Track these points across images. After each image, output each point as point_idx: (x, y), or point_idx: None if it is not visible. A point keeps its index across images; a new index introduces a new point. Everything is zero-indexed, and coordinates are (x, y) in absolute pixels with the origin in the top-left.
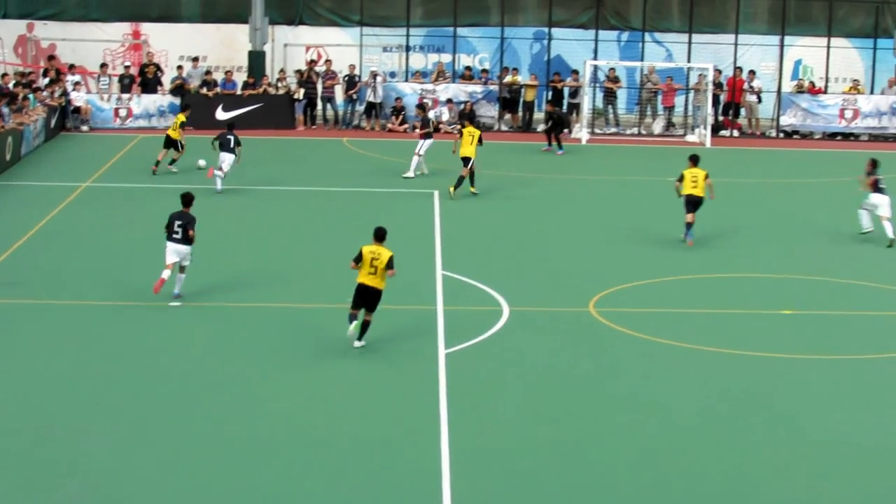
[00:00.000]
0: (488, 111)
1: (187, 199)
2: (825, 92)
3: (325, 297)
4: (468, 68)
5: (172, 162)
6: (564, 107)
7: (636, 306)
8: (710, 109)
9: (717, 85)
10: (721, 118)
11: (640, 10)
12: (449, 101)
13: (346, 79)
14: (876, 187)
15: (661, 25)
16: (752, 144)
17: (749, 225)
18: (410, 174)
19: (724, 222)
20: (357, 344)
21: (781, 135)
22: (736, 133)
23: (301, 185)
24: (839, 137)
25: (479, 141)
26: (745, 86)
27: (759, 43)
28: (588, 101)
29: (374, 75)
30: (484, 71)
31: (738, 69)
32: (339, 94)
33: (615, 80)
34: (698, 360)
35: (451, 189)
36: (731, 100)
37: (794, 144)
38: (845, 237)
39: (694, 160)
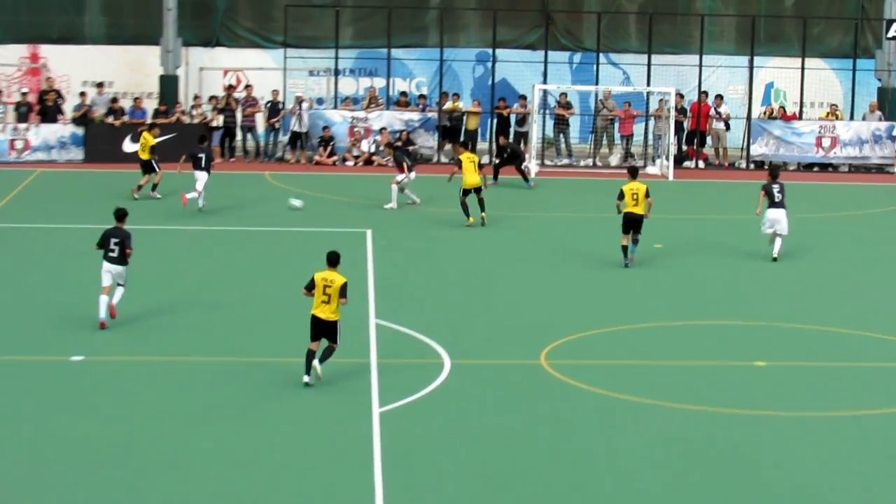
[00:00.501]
0: (426, 141)
1: (120, 214)
2: (800, 118)
3: (245, 350)
4: (404, 94)
5: (154, 188)
6: (511, 135)
7: (592, 357)
8: (672, 138)
9: (681, 111)
10: (685, 148)
11: (593, 28)
12: (382, 129)
13: (269, 106)
14: (772, 201)
15: (618, 46)
16: (720, 176)
17: (715, 266)
18: (393, 204)
19: (687, 263)
20: (318, 366)
21: (752, 166)
22: (701, 164)
23: (219, 225)
24: (816, 168)
25: (480, 166)
26: (712, 112)
27: (726, 65)
28: (537, 129)
29: (299, 102)
30: (421, 97)
31: (703, 93)
32: (260, 122)
33: (567, 105)
34: (660, 416)
35: (470, 219)
36: (696, 127)
37: (766, 176)
38: (826, 280)
39: (632, 172)
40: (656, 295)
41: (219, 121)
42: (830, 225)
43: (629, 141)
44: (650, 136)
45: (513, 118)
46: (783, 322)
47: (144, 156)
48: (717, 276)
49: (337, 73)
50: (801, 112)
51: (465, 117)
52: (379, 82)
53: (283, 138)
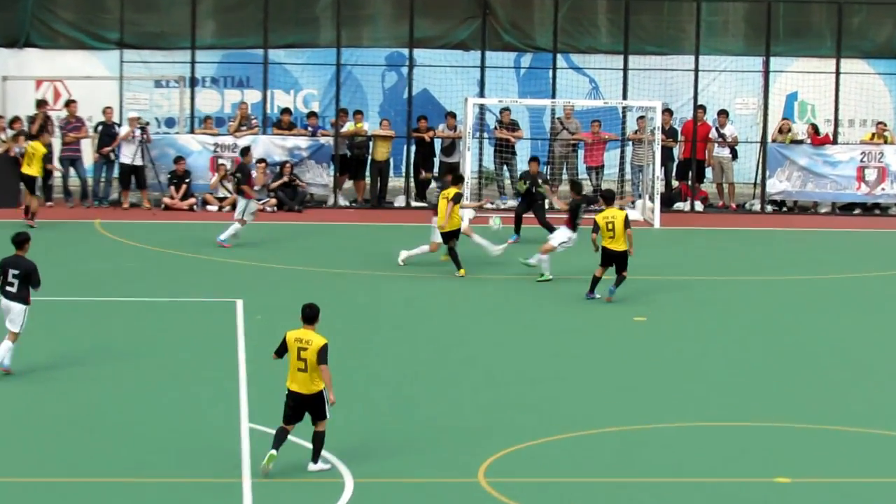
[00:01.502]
0: (318, 176)
1: (20, 239)
2: (835, 142)
3: (53, 469)
4: (286, 111)
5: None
6: (435, 167)
7: (542, 474)
8: (658, 171)
9: (670, 133)
10: (676, 183)
11: (548, 21)
12: (261, 161)
13: (100, 129)
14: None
15: (583, 43)
16: (724, 223)
17: (715, 346)
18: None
19: (676, 342)
20: (315, 467)
21: (769, 208)
22: (699, 206)
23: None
24: (858, 211)
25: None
26: (712, 134)
27: (732, 69)
28: (471, 159)
29: (140, 124)
30: (312, 115)
31: (700, 109)
32: (87, 152)
33: (512, 126)
34: None
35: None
36: (691, 155)
37: (788, 222)
38: (866, 364)
39: (607, 198)
40: (635, 385)
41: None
42: (876, 287)
43: (599, 174)
44: (628, 168)
45: (437, 144)
46: (809, 423)
47: (33, 171)
48: (717, 359)
49: (194, 83)
50: (835, 133)
51: (371, 144)
52: (252, 96)
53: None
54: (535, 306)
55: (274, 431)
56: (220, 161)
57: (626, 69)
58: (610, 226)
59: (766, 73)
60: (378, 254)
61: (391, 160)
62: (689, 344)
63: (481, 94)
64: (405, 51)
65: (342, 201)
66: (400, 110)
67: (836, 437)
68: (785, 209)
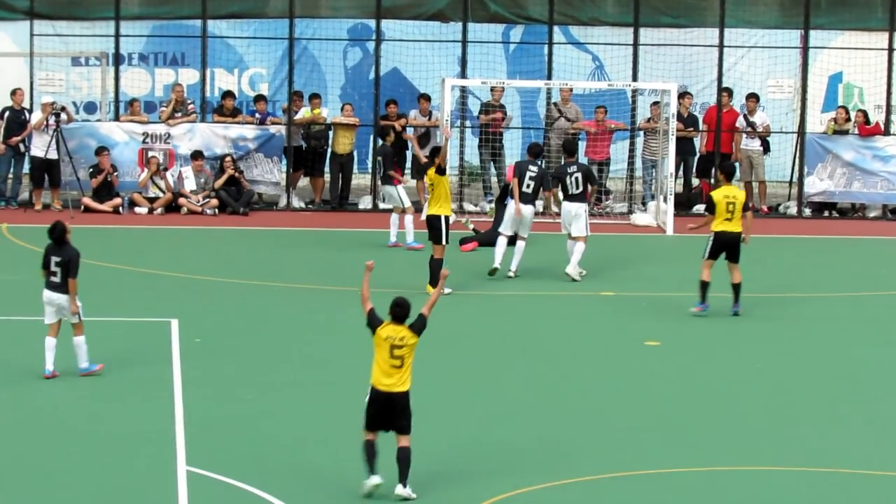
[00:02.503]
0: (267, 171)
1: (58, 230)
2: (886, 132)
3: None
4: (229, 94)
5: None
6: (407, 161)
7: None
8: (671, 167)
9: (688, 121)
10: (696, 182)
11: None
12: (197, 155)
13: (7, 116)
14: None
15: (585, 14)
16: (753, 229)
17: (747, 377)
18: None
19: (698, 370)
20: (404, 492)
21: (807, 211)
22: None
23: None
24: None
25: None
26: (740, 122)
27: (763, 44)
28: (450, 151)
29: (54, 110)
30: (259, 99)
31: (725, 92)
32: None
33: (497, 110)
34: None
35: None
36: (714, 148)
37: (831, 229)
38: None
39: (727, 173)
40: (653, 423)
41: None
42: None
43: (604, 171)
44: (638, 164)
45: (410, 133)
46: (864, 468)
47: None
48: (753, 395)
49: (118, 60)
50: (888, 122)
51: (331, 133)
52: (188, 76)
53: (28, 169)
54: (545, 334)
55: (219, 477)
56: (151, 154)
57: (636, 45)
58: (731, 206)
59: (805, 49)
60: (339, 265)
61: (355, 153)
62: (712, 365)
63: (462, 75)
64: (371, 22)
65: (296, 202)
66: (365, 93)
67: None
68: (827, 213)
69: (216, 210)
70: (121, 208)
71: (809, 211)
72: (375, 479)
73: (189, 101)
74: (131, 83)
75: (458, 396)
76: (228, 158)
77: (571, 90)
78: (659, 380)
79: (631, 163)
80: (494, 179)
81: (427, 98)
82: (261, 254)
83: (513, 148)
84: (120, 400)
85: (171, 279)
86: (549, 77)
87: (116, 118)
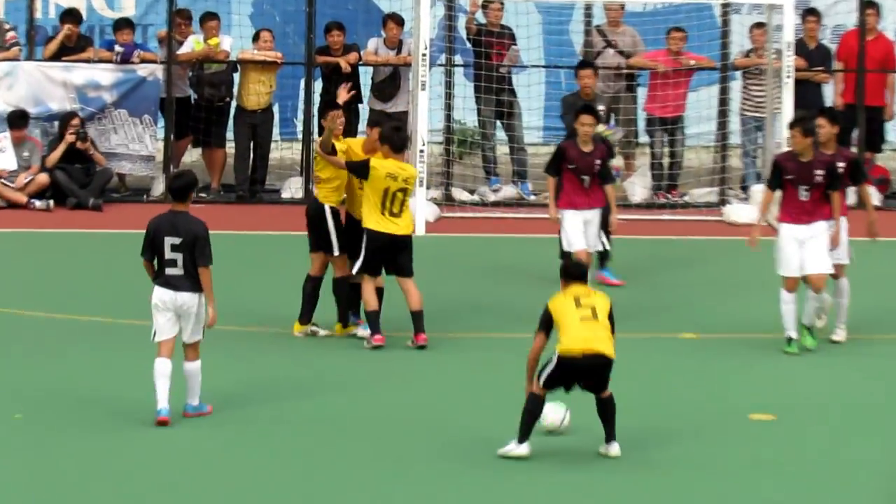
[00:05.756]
0: (134, 139)
1: (180, 184)
2: None
3: None
4: (71, 15)
5: None
6: (360, 124)
7: None
8: (785, 130)
9: (816, 55)
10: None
11: None
12: (17, 117)
13: None
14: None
15: None
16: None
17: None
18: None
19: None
20: (614, 450)
21: None
22: (874, 194)
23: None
24: None
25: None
26: None
27: None
28: (425, 107)
29: None
30: (123, 26)
31: (870, 9)
32: None
33: (504, 38)
34: None
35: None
36: (856, 99)
37: None
38: None
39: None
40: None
41: None
42: None
43: (677, 135)
44: (734, 124)
45: (365, 77)
46: None
47: None
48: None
49: None
50: None
51: (236, 77)
52: None
53: None
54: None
55: None
56: None
57: None
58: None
59: None
60: (252, 286)
61: (275, 110)
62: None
63: None
64: None
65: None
66: (292, 14)
67: None
68: None
69: (50, 202)
70: None
71: None
72: (524, 449)
73: (8, 28)
74: None
75: None
76: (76, 121)
77: (623, 6)
78: (777, 479)
79: (723, 123)
80: (507, 150)
81: (398, 21)
82: (118, 273)
83: (531, 98)
84: None
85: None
86: None
87: None
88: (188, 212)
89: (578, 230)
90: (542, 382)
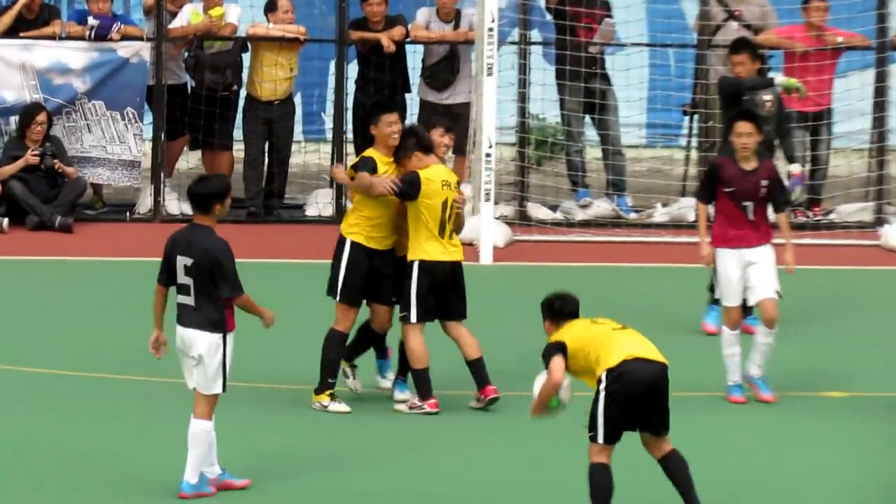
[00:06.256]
0: (114, 139)
1: (209, 189)
2: None
3: None
4: None
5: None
6: (410, 113)
7: None
8: None
9: None
10: None
11: None
12: None
13: None
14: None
15: None
16: None
17: None
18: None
19: None
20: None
21: None
22: None
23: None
24: None
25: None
26: None
27: None
28: (493, 93)
29: None
30: None
31: None
32: None
33: (595, 9)
34: None
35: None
36: None
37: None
38: None
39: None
40: None
41: None
42: None
43: (821, 133)
44: (893, 119)
45: (414, 62)
46: None
47: None
48: None
49: None
50: None
51: (246, 59)
52: None
53: None
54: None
55: None
56: None
57: None
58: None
59: None
60: (266, 331)
61: (296, 100)
62: None
63: None
64: None
65: (173, 204)
66: None
67: None
68: None
69: (4, 221)
70: None
71: None
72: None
73: None
74: None
75: None
76: (42, 116)
77: None
78: None
79: (880, 119)
80: (599, 153)
81: None
82: (92, 312)
83: (630, 86)
84: None
85: None
86: None
87: None
88: (212, 228)
89: (734, 279)
90: (600, 436)
